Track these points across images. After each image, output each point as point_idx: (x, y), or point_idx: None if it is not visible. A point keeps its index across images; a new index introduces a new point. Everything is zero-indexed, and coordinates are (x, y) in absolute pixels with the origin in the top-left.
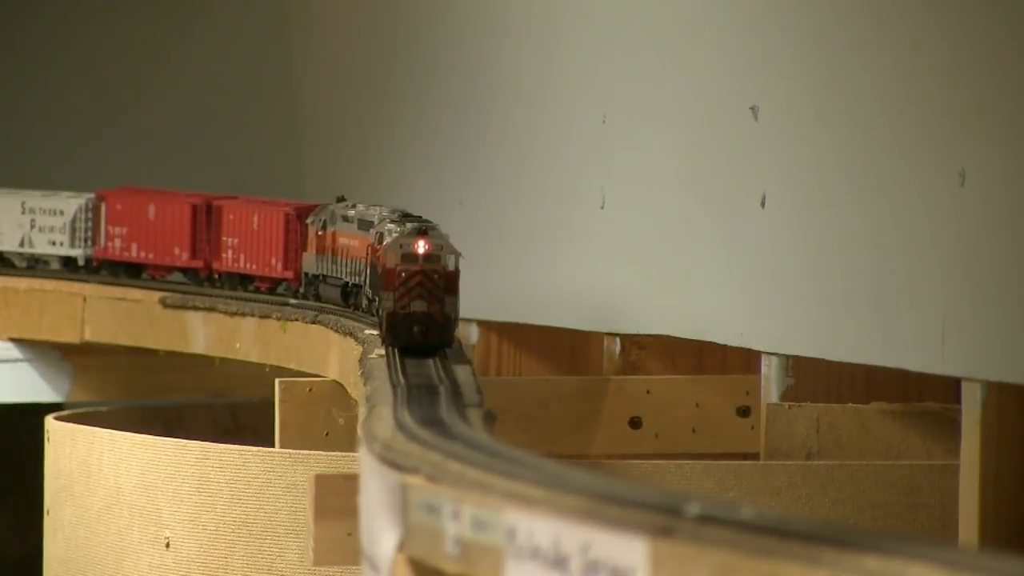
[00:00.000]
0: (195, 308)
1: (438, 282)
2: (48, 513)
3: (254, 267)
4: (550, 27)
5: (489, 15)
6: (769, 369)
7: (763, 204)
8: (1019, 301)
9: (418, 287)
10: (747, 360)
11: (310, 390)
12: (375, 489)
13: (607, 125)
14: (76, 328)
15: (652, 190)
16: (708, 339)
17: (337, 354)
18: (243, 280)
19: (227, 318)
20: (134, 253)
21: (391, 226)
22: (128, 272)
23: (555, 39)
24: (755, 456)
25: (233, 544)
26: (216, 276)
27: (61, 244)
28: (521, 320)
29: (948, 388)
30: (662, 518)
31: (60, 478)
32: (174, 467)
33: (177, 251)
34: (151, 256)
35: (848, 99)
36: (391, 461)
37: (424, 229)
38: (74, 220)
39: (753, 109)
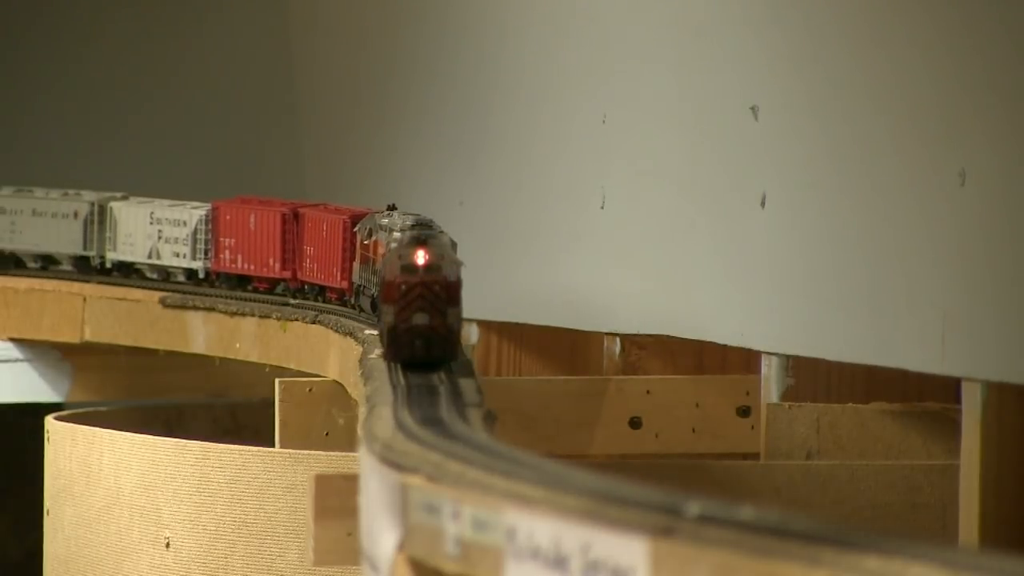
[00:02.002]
0: (195, 308)
1: (439, 293)
2: (48, 513)
3: (323, 277)
4: (550, 27)
5: (489, 15)
6: (769, 369)
7: (763, 204)
8: (1019, 301)
9: (419, 299)
10: (747, 360)
11: (310, 390)
12: (375, 489)
13: (607, 125)
14: (76, 328)
15: (652, 190)
16: (708, 339)
17: (337, 354)
18: (321, 291)
19: (227, 318)
20: (240, 265)
21: (396, 234)
22: (240, 284)
23: (555, 39)
24: (755, 456)
25: (233, 544)
26: (303, 287)
27: (184, 256)
28: (521, 320)
29: (948, 388)
30: (662, 518)
31: (60, 478)
32: (174, 467)
33: (271, 262)
34: (252, 267)
35: (848, 99)
36: (391, 461)
37: (423, 239)
38: (195, 231)
39: (753, 109)
